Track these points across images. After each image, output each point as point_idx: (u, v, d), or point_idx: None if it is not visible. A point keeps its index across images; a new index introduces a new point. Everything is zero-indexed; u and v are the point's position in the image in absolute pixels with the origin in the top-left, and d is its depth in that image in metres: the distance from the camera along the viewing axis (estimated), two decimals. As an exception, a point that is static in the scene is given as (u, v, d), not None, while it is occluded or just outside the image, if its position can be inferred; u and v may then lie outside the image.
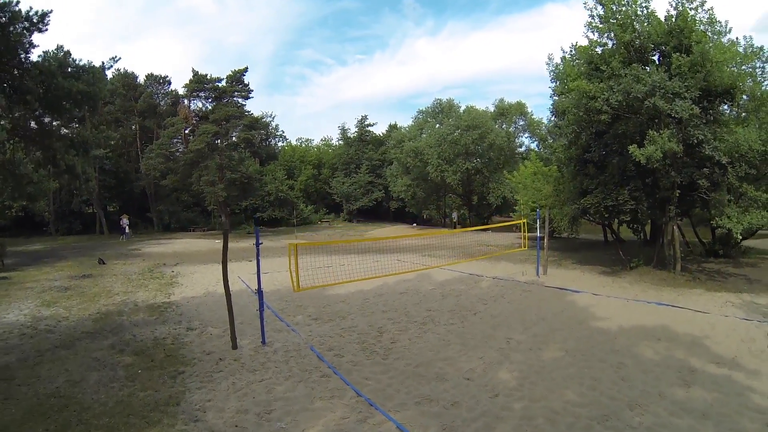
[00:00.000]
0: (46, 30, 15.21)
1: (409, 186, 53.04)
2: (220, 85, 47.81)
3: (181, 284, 20.69)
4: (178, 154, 46.95)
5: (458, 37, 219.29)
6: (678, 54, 17.62)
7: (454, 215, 55.92)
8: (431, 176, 48.29)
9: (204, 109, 49.74)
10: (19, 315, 15.26)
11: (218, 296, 16.70)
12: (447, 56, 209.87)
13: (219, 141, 45.07)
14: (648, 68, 18.48)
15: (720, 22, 18.54)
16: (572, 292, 17.93)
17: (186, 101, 49.68)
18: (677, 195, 19.37)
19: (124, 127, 53.41)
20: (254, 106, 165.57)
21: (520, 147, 57.20)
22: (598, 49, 20.50)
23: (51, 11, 15.18)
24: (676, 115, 17.20)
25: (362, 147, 67.45)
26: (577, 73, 21.20)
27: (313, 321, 14.28)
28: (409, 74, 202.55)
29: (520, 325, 13.34)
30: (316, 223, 63.01)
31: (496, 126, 51.98)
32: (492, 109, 60.11)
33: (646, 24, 18.94)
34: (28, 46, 14.92)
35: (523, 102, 61.07)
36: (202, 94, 49.31)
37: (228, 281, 11.65)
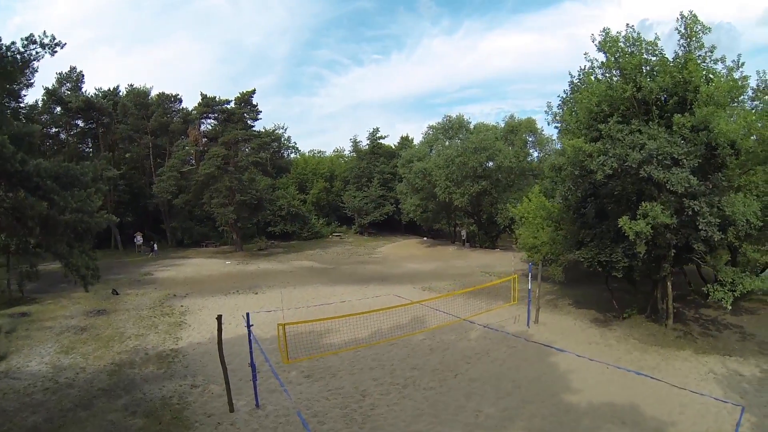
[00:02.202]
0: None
1: (418, 206, 53.86)
2: (228, 107, 48.90)
3: (188, 325, 22.00)
4: (189, 174, 48.17)
5: (475, 37, 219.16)
6: (679, 115, 17.08)
7: (463, 233, 56.68)
8: (439, 197, 48.93)
9: (214, 129, 51.05)
10: (41, 363, 16.75)
11: (223, 342, 17.96)
12: (464, 56, 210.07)
13: (229, 163, 46.24)
14: (650, 124, 17.81)
15: (733, 61, 18.06)
16: (556, 351, 18.19)
17: (195, 123, 50.91)
18: (673, 254, 19.10)
19: (137, 144, 55.23)
20: (269, 114, 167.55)
21: (532, 162, 57.40)
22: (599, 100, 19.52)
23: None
24: (672, 188, 16.75)
25: (374, 160, 68.14)
26: (576, 124, 20.99)
27: (305, 379, 15.48)
28: (426, 74, 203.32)
29: (494, 394, 14.23)
30: (327, 237, 64.29)
31: (505, 145, 52.38)
32: (502, 125, 60.82)
33: (648, 79, 18.20)
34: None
35: (533, 119, 61.26)
36: (211, 115, 50.54)
37: (225, 362, 12.67)
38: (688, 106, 17.47)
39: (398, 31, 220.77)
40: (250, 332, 13.32)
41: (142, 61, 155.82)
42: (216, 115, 50.17)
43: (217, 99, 49.37)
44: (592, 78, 20.72)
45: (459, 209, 53.18)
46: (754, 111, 18.54)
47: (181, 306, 25.57)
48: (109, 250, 47.79)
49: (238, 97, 49.88)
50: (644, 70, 18.64)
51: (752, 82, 18.60)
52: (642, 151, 16.93)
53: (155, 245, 48.29)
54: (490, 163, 47.52)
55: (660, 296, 21.04)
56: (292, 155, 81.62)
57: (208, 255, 47.48)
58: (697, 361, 16.74)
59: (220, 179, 45.47)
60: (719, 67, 18.09)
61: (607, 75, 19.89)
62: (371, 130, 70.26)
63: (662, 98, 18.56)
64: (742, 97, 18.58)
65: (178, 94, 58.12)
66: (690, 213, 17.07)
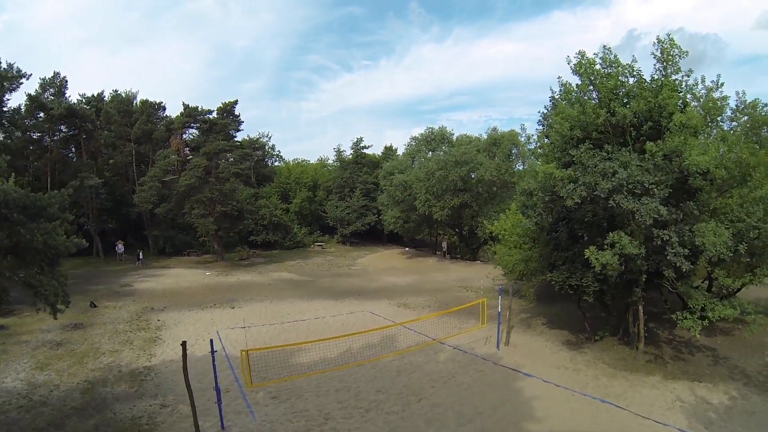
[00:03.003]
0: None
1: (398, 217, 54.37)
2: (210, 117, 49.14)
3: (163, 341, 22.46)
4: (171, 183, 48.32)
5: (464, 44, 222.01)
6: (652, 143, 16.93)
7: (444, 244, 57.24)
8: (419, 210, 49.41)
9: (196, 139, 51.36)
10: (16, 380, 17.25)
11: (195, 361, 18.37)
12: (453, 63, 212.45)
13: (210, 174, 46.56)
14: (622, 150, 17.54)
15: (712, 81, 17.88)
16: (523, 376, 18.34)
17: (177, 133, 51.10)
18: (644, 279, 19.08)
19: (120, 151, 55.43)
20: (256, 118, 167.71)
21: (514, 176, 57.65)
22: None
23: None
24: (640, 218, 16.55)
25: (357, 170, 68.64)
26: (550, 147, 20.84)
27: (272, 400, 16.02)
28: (415, 81, 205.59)
29: (455, 422, 14.69)
30: (309, 246, 64.73)
31: (487, 158, 52.97)
32: (485, 136, 61.64)
33: (622, 106, 17.95)
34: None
35: (516, 131, 62.05)
36: (194, 125, 50.83)
37: (190, 386, 13.20)
38: (663, 132, 17.42)
39: (388, 37, 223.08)
40: (213, 358, 13.83)
41: (131, 62, 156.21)
42: (198, 125, 50.49)
43: (199, 109, 49.48)
44: (564, 104, 20.31)
45: (440, 221, 53.69)
46: (732, 131, 18.92)
47: (158, 320, 25.98)
48: (90, 258, 47.90)
49: (220, 107, 50.11)
50: (621, 93, 18.63)
51: (732, 102, 18.77)
52: (612, 180, 16.78)
53: (141, 254, 48.47)
54: (473, 175, 47.98)
55: (632, 320, 21.17)
56: (277, 163, 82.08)
57: (189, 265, 47.83)
58: (665, 387, 16.97)
59: (201, 190, 45.79)
60: (699, 87, 18.15)
61: (583, 98, 19.42)
62: (355, 140, 70.77)
63: (637, 123, 18.33)
64: (720, 117, 18.67)
65: (162, 102, 58.37)
66: (659, 242, 16.95)
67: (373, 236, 68.22)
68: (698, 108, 18.08)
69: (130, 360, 19.70)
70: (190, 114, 49.59)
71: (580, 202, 17.81)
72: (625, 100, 18.48)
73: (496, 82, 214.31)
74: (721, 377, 17.61)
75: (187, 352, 19.64)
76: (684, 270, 16.89)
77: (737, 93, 19.20)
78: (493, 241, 36.18)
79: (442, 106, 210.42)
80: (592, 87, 19.03)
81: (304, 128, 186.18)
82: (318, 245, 65.28)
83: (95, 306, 28.41)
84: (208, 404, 14.93)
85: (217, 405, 14.05)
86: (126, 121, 55.09)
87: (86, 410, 14.93)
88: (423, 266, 49.12)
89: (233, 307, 29.33)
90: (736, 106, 19.37)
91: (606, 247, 17.34)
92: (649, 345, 20.66)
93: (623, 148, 17.75)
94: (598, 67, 18.87)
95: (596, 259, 17.03)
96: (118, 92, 59.57)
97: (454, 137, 60.83)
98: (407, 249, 63.06)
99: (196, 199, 46.21)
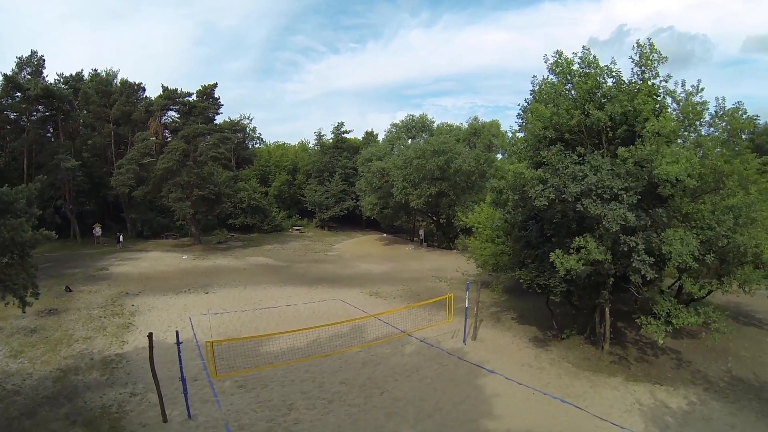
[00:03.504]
0: None
1: (375, 204, 54.74)
2: (190, 100, 49.16)
3: (136, 327, 22.97)
4: (149, 166, 48.10)
5: (453, 31, 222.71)
6: (624, 148, 16.79)
7: (421, 232, 57.91)
8: (396, 198, 49.86)
9: (175, 122, 51.29)
10: (-11, 367, 17.63)
11: (166, 348, 18.76)
12: (440, 49, 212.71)
13: (188, 157, 46.57)
14: (595, 153, 17.49)
15: (692, 85, 17.68)
16: (486, 373, 18.62)
17: (156, 115, 50.92)
18: (611, 282, 19.03)
19: (98, 133, 55.10)
20: (241, 98, 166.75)
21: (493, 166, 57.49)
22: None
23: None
24: (607, 224, 16.31)
25: (337, 154, 69.11)
26: (523, 145, 20.71)
27: (238, 389, 16.64)
28: (402, 65, 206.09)
29: (414, 416, 15.19)
30: (288, 230, 65.25)
31: (466, 148, 53.15)
32: (466, 125, 62.15)
33: (597, 109, 17.59)
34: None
35: (497, 120, 62.74)
36: (173, 107, 50.69)
37: (156, 376, 13.81)
38: (637, 137, 17.14)
39: (376, 20, 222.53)
40: (179, 349, 14.33)
41: (113, 38, 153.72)
42: (177, 107, 50.40)
43: (178, 91, 49.54)
44: (538, 104, 19.78)
45: (417, 209, 54.27)
46: (709, 136, 18.59)
47: (132, 305, 26.43)
48: (67, 241, 47.92)
49: (200, 90, 50.10)
50: (597, 95, 18.43)
51: (712, 108, 18.26)
52: (581, 183, 16.71)
53: (121, 237, 48.55)
54: (451, 165, 47.86)
55: (598, 320, 21.17)
56: (257, 145, 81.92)
57: (166, 248, 48.07)
58: (626, 389, 17.19)
59: (179, 174, 45.94)
60: (679, 90, 17.94)
61: (558, 98, 19.15)
62: (336, 124, 71.07)
63: (612, 126, 18.06)
64: (699, 122, 18.32)
65: (142, 83, 57.70)
66: (626, 249, 16.87)
67: (352, 221, 68.77)
68: (677, 112, 18.09)
69: (103, 347, 20.20)
70: (169, 96, 49.52)
71: (548, 204, 17.81)
72: (603, 101, 18.31)
73: (483, 70, 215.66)
74: (683, 381, 17.96)
75: (160, 338, 20.47)
76: (648, 278, 17.07)
77: (717, 99, 18.74)
78: (468, 232, 36.90)
79: (427, 91, 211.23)
80: (570, 86, 19.01)
81: (289, 109, 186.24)
82: (296, 229, 65.82)
83: (70, 290, 28.74)
84: (176, 393, 15.40)
85: (193, 386, 14.81)
86: (105, 102, 54.61)
87: (58, 399, 15.46)
88: (399, 254, 49.85)
89: (207, 293, 29.84)
90: (716, 111, 19.02)
91: (572, 251, 17.38)
92: (615, 345, 20.95)
93: (597, 151, 17.83)
94: (576, 67, 18.88)
95: (561, 263, 17.10)
96: (98, 72, 59.24)
97: (435, 125, 61.52)
98: (385, 235, 63.69)
99: (173, 183, 46.37)
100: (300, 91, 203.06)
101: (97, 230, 49.36)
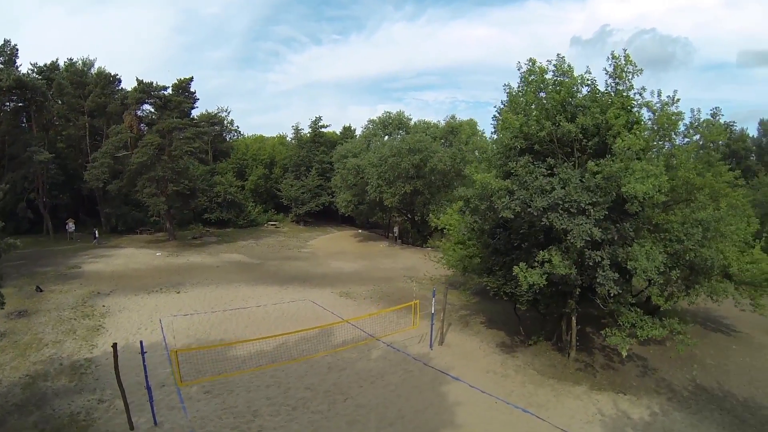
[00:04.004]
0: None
1: (350, 201, 54.91)
2: (165, 93, 48.78)
3: (106, 329, 23.21)
4: (124, 159, 47.64)
5: (437, 25, 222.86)
6: (593, 163, 16.59)
7: (396, 230, 58.42)
8: (370, 196, 50.17)
9: (149, 116, 50.98)
10: (-42, 374, 17.88)
11: (135, 352, 19.03)
12: (424, 43, 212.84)
13: (163, 151, 46.37)
14: (565, 165, 17.41)
15: (668, 96, 17.59)
16: (451, 380, 18.93)
17: (131, 109, 50.38)
18: (578, 292, 19.31)
19: (73, 124, 54.37)
20: (221, 88, 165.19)
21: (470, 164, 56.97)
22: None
23: None
24: (572, 240, 16.29)
25: (314, 149, 69.04)
26: (493, 154, 20.67)
27: (204, 395, 17.09)
28: (384, 58, 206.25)
29: (376, 424, 15.63)
30: (263, 225, 65.38)
31: (442, 146, 53.40)
32: (442, 123, 62.48)
33: (567, 121, 17.39)
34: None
35: (475, 120, 63.05)
36: (148, 100, 50.24)
37: (122, 385, 14.25)
38: (608, 151, 16.82)
39: (360, 12, 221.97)
40: (144, 359, 14.73)
41: (93, 23, 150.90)
42: (153, 101, 50.02)
43: (154, 85, 49.00)
44: (508, 114, 19.54)
45: (392, 207, 54.30)
46: (684, 146, 18.88)
47: (103, 306, 26.64)
48: (40, 236, 47.82)
49: (175, 83, 49.62)
50: (570, 105, 18.21)
51: (687, 119, 18.49)
52: (548, 197, 16.64)
53: (96, 232, 48.45)
54: (428, 162, 48.01)
55: (565, 328, 21.49)
56: (235, 137, 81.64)
57: (140, 244, 48.10)
58: (589, 399, 17.48)
59: (153, 168, 45.77)
60: (655, 101, 17.85)
61: (530, 108, 18.95)
62: (314, 118, 70.90)
63: (583, 138, 17.81)
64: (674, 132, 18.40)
65: (117, 74, 56.75)
66: (591, 263, 16.89)
67: (328, 216, 68.68)
68: (653, 122, 18.06)
69: (72, 351, 20.48)
70: (144, 90, 48.83)
71: (514, 216, 17.80)
72: (579, 107, 18.10)
73: (466, 65, 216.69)
74: (647, 390, 18.35)
75: (129, 341, 20.97)
76: (612, 294, 17.10)
77: (692, 110, 19.21)
78: (443, 231, 37.17)
79: (409, 85, 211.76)
80: (543, 95, 18.73)
81: (270, 100, 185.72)
82: (272, 224, 65.85)
83: (41, 290, 28.82)
84: (144, 399, 15.66)
85: (161, 392, 15.55)
86: (80, 93, 53.75)
87: (26, 407, 15.80)
88: (372, 251, 50.40)
89: (179, 292, 30.14)
90: (691, 122, 19.37)
91: (536, 264, 17.52)
92: (582, 351, 21.34)
93: (567, 162, 17.83)
94: (549, 75, 18.71)
95: (524, 277, 17.18)
96: (74, 61, 58.08)
97: (412, 122, 61.75)
98: (360, 231, 64.08)
99: (147, 178, 46.22)
100: (281, 81, 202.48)
101: (71, 225, 48.94)
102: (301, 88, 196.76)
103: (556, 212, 16.59)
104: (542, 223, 17.10)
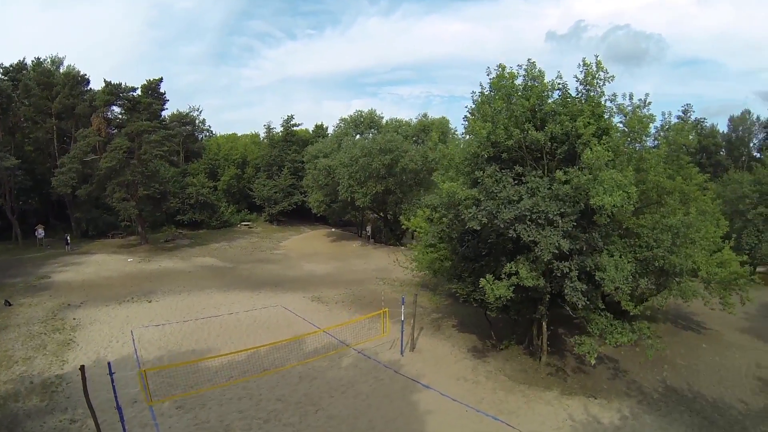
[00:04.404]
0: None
1: (322, 201, 55.14)
2: (134, 95, 48.08)
3: (77, 344, 23.15)
4: (93, 163, 46.89)
5: (411, 20, 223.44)
6: (561, 172, 16.75)
7: (368, 228, 58.93)
8: (342, 196, 50.47)
9: (117, 119, 50.37)
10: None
11: (105, 369, 19.47)
12: (398, 38, 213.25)
13: (133, 155, 45.92)
14: (533, 174, 17.45)
15: (640, 99, 17.85)
16: (422, 388, 19.15)
17: (99, 111, 49.56)
18: (548, 298, 19.49)
19: (40, 127, 52.98)
20: (195, 84, 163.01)
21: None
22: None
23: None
24: (540, 252, 16.25)
25: (286, 148, 69.16)
26: (460, 161, 20.47)
27: (177, 410, 17.27)
28: (359, 53, 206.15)
29: None
30: (236, 225, 65.38)
31: (414, 145, 53.75)
32: (414, 122, 62.95)
33: (536, 130, 17.33)
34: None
35: (447, 118, 63.38)
36: (117, 102, 49.53)
37: (93, 408, 14.48)
38: (578, 157, 16.79)
39: (335, 7, 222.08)
40: (112, 379, 14.98)
41: (64, 18, 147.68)
42: (122, 102, 49.35)
43: (122, 86, 48.13)
44: (476, 120, 19.33)
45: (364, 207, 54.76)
46: (655, 149, 19.02)
47: (74, 319, 26.53)
48: (8, 243, 47.23)
49: (144, 84, 48.80)
50: (540, 111, 18.12)
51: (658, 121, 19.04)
52: (515, 208, 16.63)
53: (68, 238, 47.68)
54: (399, 162, 48.27)
55: (536, 333, 21.67)
56: (207, 137, 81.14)
57: (112, 249, 47.71)
58: (560, 404, 17.76)
59: (122, 173, 45.29)
60: (627, 103, 18.02)
61: (498, 115, 18.47)
62: (285, 117, 71.07)
63: (552, 147, 17.97)
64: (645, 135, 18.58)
65: (86, 75, 55.72)
66: (558, 274, 17.00)
67: (301, 214, 68.84)
68: (624, 124, 18.17)
69: (43, 368, 20.47)
70: (112, 92, 48.04)
71: (480, 227, 17.90)
72: (549, 113, 18.01)
73: (440, 60, 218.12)
74: (617, 393, 18.69)
75: (100, 356, 21.11)
76: (580, 306, 17.21)
77: (663, 113, 19.55)
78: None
79: (383, 79, 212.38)
80: (512, 100, 18.41)
81: (244, 96, 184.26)
82: (245, 224, 65.87)
83: (10, 304, 28.54)
84: (116, 417, 15.67)
85: (133, 409, 15.81)
86: (47, 95, 52.61)
87: (-2, 429, 15.98)
88: (345, 251, 50.88)
89: (150, 301, 30.17)
90: (662, 124, 20.06)
91: (504, 276, 17.65)
92: (554, 355, 21.67)
93: (536, 171, 17.80)
94: (519, 81, 18.64)
95: (491, 290, 17.27)
96: (42, 60, 57.10)
97: (384, 120, 62.23)
98: (333, 230, 64.56)
99: (117, 182, 45.72)
100: (256, 77, 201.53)
101: (40, 231, 48.23)
102: (275, 83, 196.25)
103: (524, 223, 16.64)
104: (509, 234, 17.20)
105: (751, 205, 37.93)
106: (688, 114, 68.84)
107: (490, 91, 19.43)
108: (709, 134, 67.39)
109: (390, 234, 56.68)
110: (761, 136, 69.45)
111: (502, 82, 18.66)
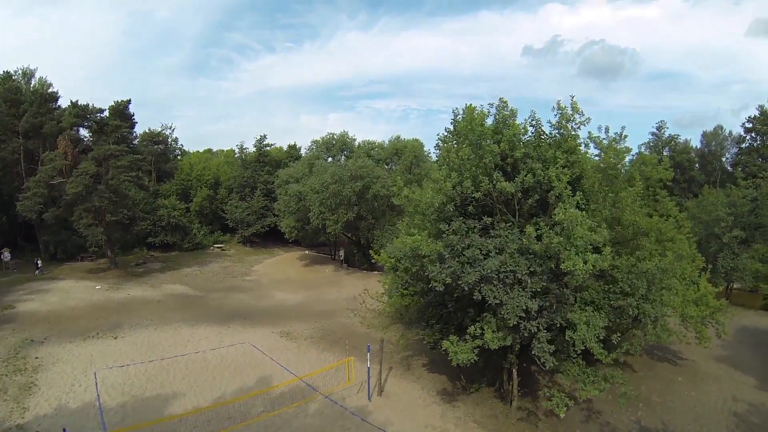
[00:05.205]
0: None
1: (293, 227, 54.68)
2: (102, 117, 47.38)
3: (38, 387, 22.53)
4: (60, 186, 45.71)
5: (390, 34, 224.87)
6: (532, 224, 16.43)
7: (341, 253, 58.58)
8: (313, 223, 50.12)
9: (85, 141, 49.49)
10: None
11: (68, 415, 19.35)
12: (377, 52, 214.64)
13: (99, 180, 44.86)
14: (502, 226, 17.17)
15: (616, 133, 17.64)
16: None
17: (65, 133, 48.44)
18: (518, 348, 18.94)
19: (6, 146, 51.36)
20: (172, 96, 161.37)
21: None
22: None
23: None
24: (506, 315, 15.76)
25: (259, 168, 68.82)
26: (425, 208, 19.98)
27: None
28: (337, 66, 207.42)
29: None
30: (209, 247, 64.81)
31: (385, 170, 53.71)
32: (386, 143, 63.20)
33: (505, 180, 16.90)
34: None
35: (420, 141, 63.58)
36: (85, 123, 48.78)
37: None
38: (550, 207, 16.65)
39: (314, 20, 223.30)
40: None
41: (36, 25, 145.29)
42: (89, 124, 48.52)
43: (90, 107, 47.47)
44: (440, 171, 19.52)
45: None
46: (631, 190, 18.23)
47: (36, 358, 25.94)
48: (-26, 269, 46.02)
49: (112, 106, 48.13)
50: (512, 155, 17.62)
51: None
52: (481, 268, 16.14)
53: (39, 261, 46.80)
54: (371, 188, 48.11)
55: (506, 378, 21.25)
56: (180, 154, 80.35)
57: (80, 274, 46.85)
58: None
59: (89, 199, 44.04)
60: (603, 135, 17.87)
61: (465, 165, 18.29)
62: (258, 137, 71.08)
63: (522, 197, 17.63)
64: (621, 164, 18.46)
65: (56, 92, 55.04)
66: (526, 334, 16.50)
67: (274, 236, 67.71)
68: (600, 160, 18.09)
69: (3, 417, 19.87)
70: (79, 114, 47.06)
71: (444, 287, 17.24)
72: (522, 157, 17.57)
73: (417, 74, 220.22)
74: None
75: (62, 402, 20.70)
76: (548, 367, 16.72)
77: (639, 147, 19.91)
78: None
79: (361, 93, 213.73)
80: (480, 145, 17.93)
81: (222, 108, 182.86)
82: (218, 246, 65.35)
83: (-29, 340, 28.01)
84: None
85: None
86: (14, 112, 51.49)
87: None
88: (317, 277, 50.69)
89: (115, 337, 29.55)
90: (635, 157, 19.81)
91: (468, 338, 17.19)
92: (525, 397, 21.34)
93: (505, 223, 17.48)
94: (490, 121, 18.22)
95: (454, 353, 16.80)
96: (12, 73, 55.98)
97: (357, 142, 62.41)
98: (306, 252, 64.17)
99: (84, 208, 44.67)
100: (234, 89, 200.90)
101: (6, 255, 47.20)
102: (254, 95, 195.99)
103: (491, 283, 16.17)
104: (474, 297, 16.67)
105: (727, 228, 38.41)
106: (662, 131, 71.73)
107: (457, 134, 19.52)
108: (683, 150, 69.08)
109: (363, 258, 56.21)
110: (733, 150, 71.15)
111: (470, 126, 18.18)
